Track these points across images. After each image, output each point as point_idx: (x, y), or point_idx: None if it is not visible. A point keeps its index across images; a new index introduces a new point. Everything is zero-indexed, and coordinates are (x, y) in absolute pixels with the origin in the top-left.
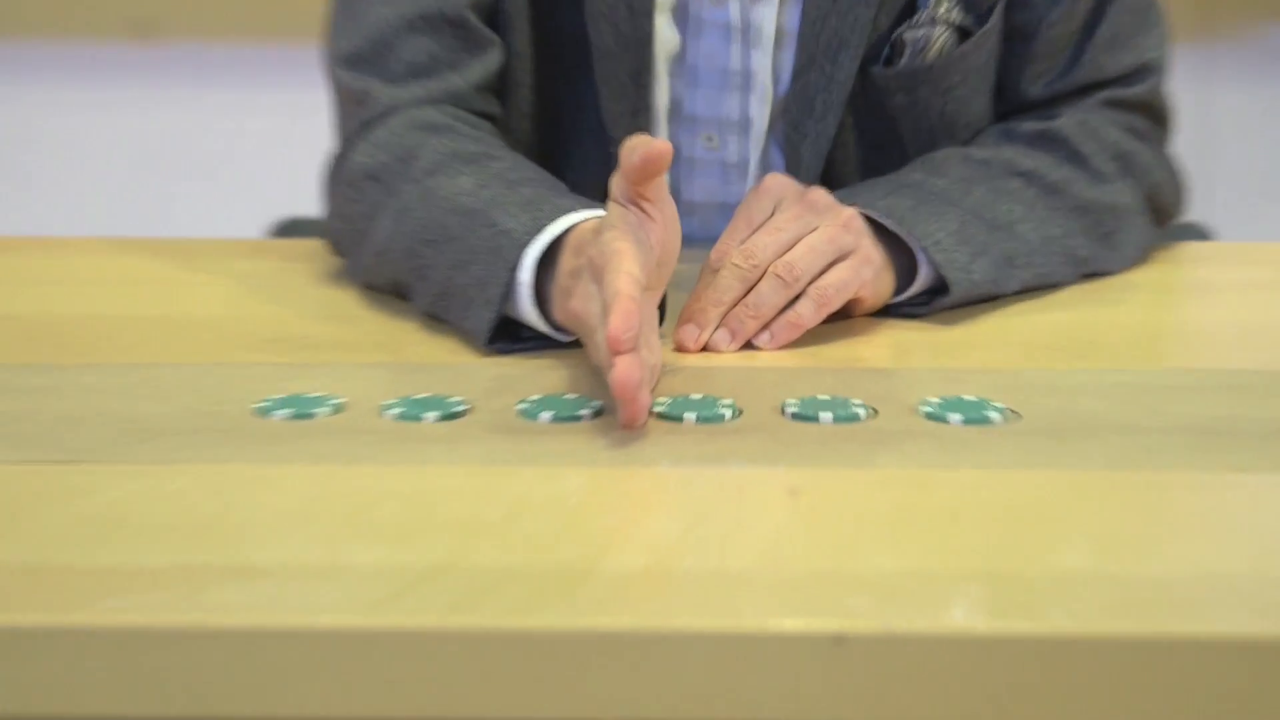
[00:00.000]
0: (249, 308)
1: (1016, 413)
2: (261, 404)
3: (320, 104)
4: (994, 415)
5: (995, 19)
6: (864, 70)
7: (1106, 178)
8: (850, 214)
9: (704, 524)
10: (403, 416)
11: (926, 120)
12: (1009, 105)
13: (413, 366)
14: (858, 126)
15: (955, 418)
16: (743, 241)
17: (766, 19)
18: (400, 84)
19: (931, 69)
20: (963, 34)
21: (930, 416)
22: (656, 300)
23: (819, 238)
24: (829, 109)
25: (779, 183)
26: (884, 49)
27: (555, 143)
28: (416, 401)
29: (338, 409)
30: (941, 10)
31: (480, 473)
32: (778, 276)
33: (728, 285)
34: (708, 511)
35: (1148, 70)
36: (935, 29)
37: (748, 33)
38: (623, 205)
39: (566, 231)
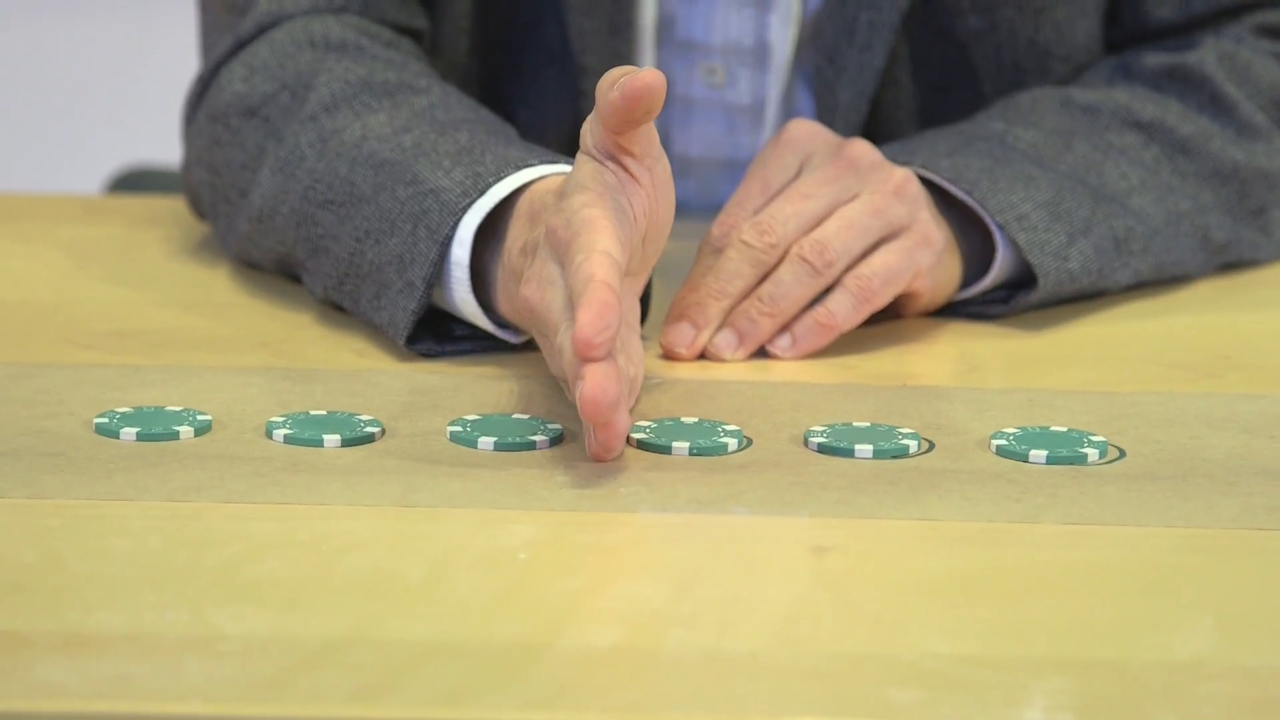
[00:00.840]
0: (83, 289)
1: (1120, 449)
2: (102, 419)
3: (182, 10)
4: (1090, 453)
5: None
6: None
7: (1259, 133)
8: (904, 176)
9: (697, 590)
10: (293, 440)
11: (1010, 52)
12: (1127, 32)
13: (306, 373)
14: (915, 59)
15: (1037, 455)
16: (757, 211)
17: None
18: None
19: None
20: None
21: (1004, 453)
22: (639, 289)
23: (860, 209)
24: (876, 34)
25: (807, 132)
26: None
27: (503, 71)
28: (311, 420)
29: (204, 428)
30: None
31: (397, 517)
32: (803, 260)
33: (735, 271)
34: (703, 574)
35: None
36: None
37: None
38: (597, 160)
39: (517, 192)
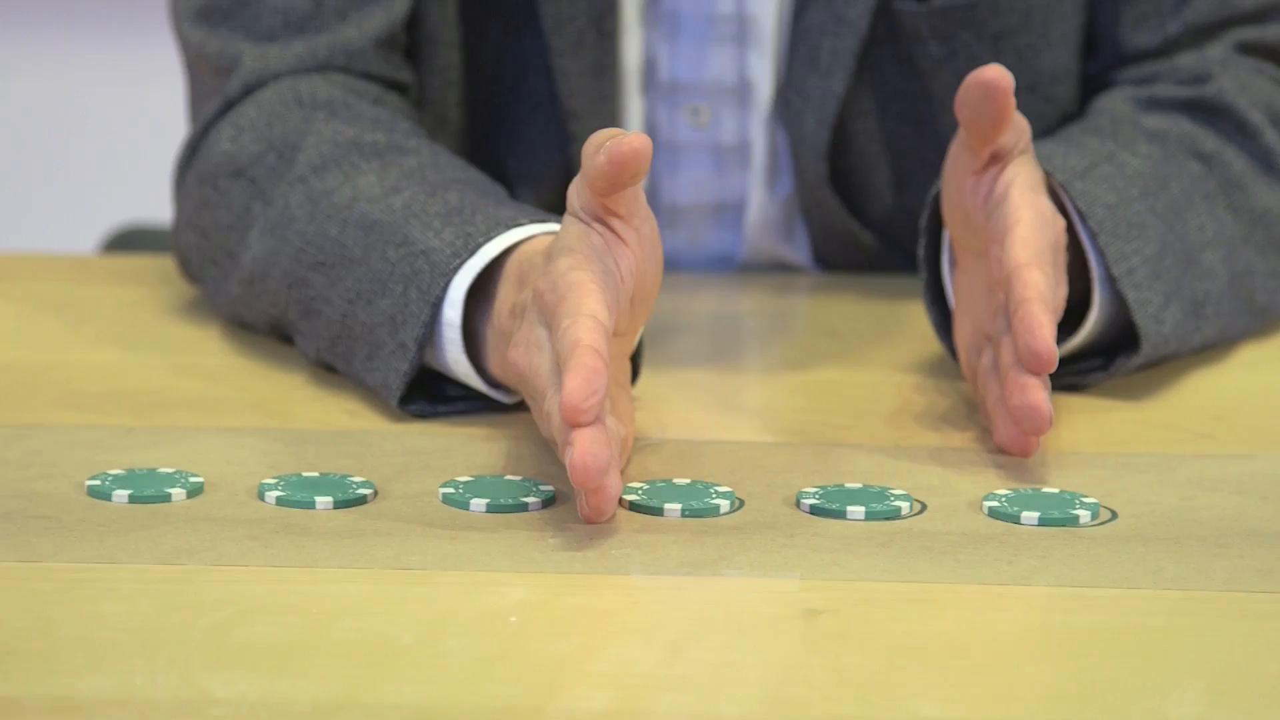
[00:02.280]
0: (76, 350)
1: (1112, 511)
2: (94, 481)
3: (175, 66)
4: (1082, 514)
5: None
6: (888, 8)
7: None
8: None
9: (689, 653)
10: (285, 502)
11: None
12: (1105, 62)
13: (298, 434)
14: (880, 88)
15: (1029, 516)
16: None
17: None
18: (273, 41)
19: (976, 6)
20: None
21: (996, 514)
22: (629, 350)
23: None
24: (837, 61)
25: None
26: None
27: (492, 121)
28: (303, 482)
29: (196, 490)
30: None
31: (389, 580)
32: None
33: None
34: (694, 636)
35: (1275, 9)
36: None
37: None
38: (584, 222)
39: (506, 253)
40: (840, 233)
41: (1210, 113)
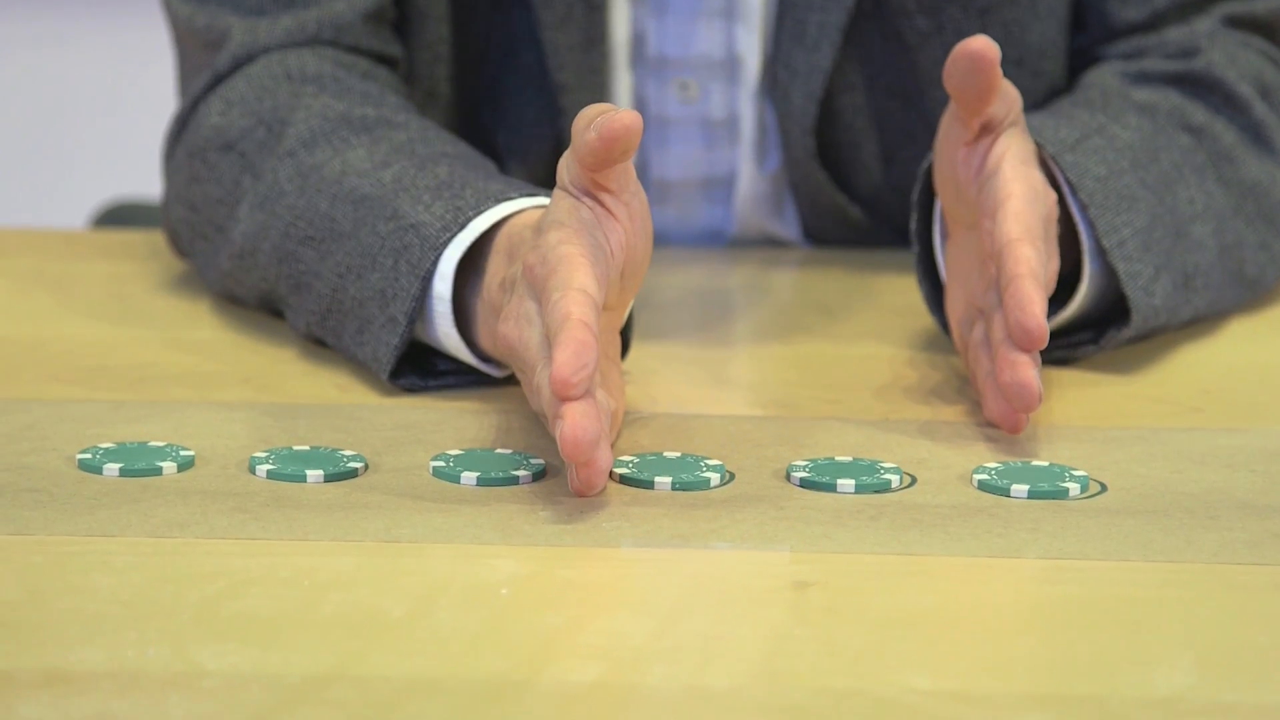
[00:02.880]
0: (66, 325)
1: (1101, 484)
2: (86, 455)
3: (164, 42)
4: (1071, 487)
5: None
6: None
7: (1274, 143)
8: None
9: (679, 625)
10: (276, 475)
11: None
12: (1093, 36)
13: (289, 408)
14: (868, 63)
15: (1019, 489)
16: None
17: None
18: (262, 15)
19: None
20: None
21: (985, 487)
22: (618, 324)
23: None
24: (824, 35)
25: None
26: None
27: (482, 95)
28: (295, 455)
29: (187, 463)
30: None
31: (379, 552)
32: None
33: None
34: (685, 609)
35: None
36: None
37: None
38: (574, 196)
39: (497, 226)
40: (829, 207)
41: (1199, 86)
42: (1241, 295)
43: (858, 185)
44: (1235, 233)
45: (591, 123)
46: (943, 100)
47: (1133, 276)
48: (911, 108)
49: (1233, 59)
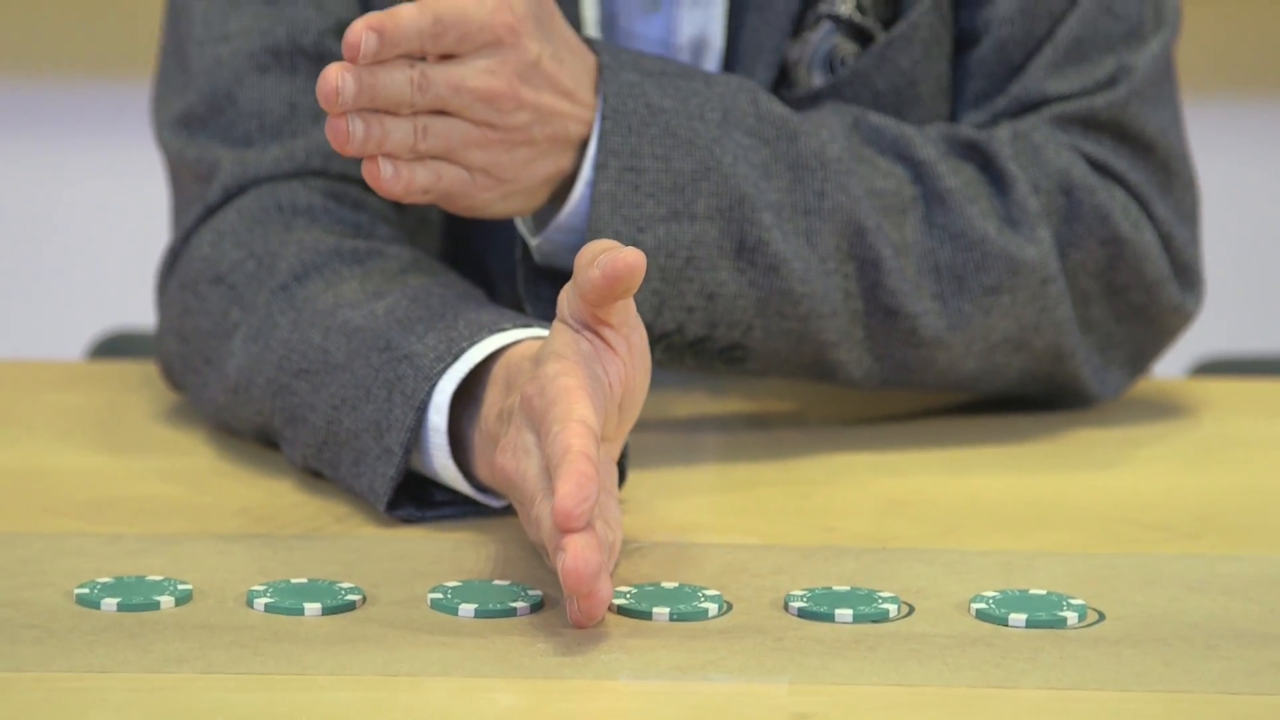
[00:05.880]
0: (64, 458)
1: (1099, 612)
2: (83, 590)
3: (162, 173)
4: (1069, 616)
5: (915, 19)
6: (779, 90)
7: (1026, 219)
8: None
9: None
10: (273, 609)
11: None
12: None
13: (286, 541)
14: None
15: (1017, 619)
16: None
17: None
18: (249, 145)
19: (820, 95)
20: (868, 39)
21: (984, 616)
22: (615, 455)
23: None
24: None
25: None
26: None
27: (470, 219)
28: (292, 589)
29: (185, 597)
30: (841, 7)
31: (378, 686)
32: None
33: None
34: None
35: (1121, 76)
36: (822, 34)
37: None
38: (574, 329)
39: (493, 357)
40: None
41: (971, 149)
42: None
43: None
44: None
45: (595, 259)
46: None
47: (605, 197)
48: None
49: (1024, 140)
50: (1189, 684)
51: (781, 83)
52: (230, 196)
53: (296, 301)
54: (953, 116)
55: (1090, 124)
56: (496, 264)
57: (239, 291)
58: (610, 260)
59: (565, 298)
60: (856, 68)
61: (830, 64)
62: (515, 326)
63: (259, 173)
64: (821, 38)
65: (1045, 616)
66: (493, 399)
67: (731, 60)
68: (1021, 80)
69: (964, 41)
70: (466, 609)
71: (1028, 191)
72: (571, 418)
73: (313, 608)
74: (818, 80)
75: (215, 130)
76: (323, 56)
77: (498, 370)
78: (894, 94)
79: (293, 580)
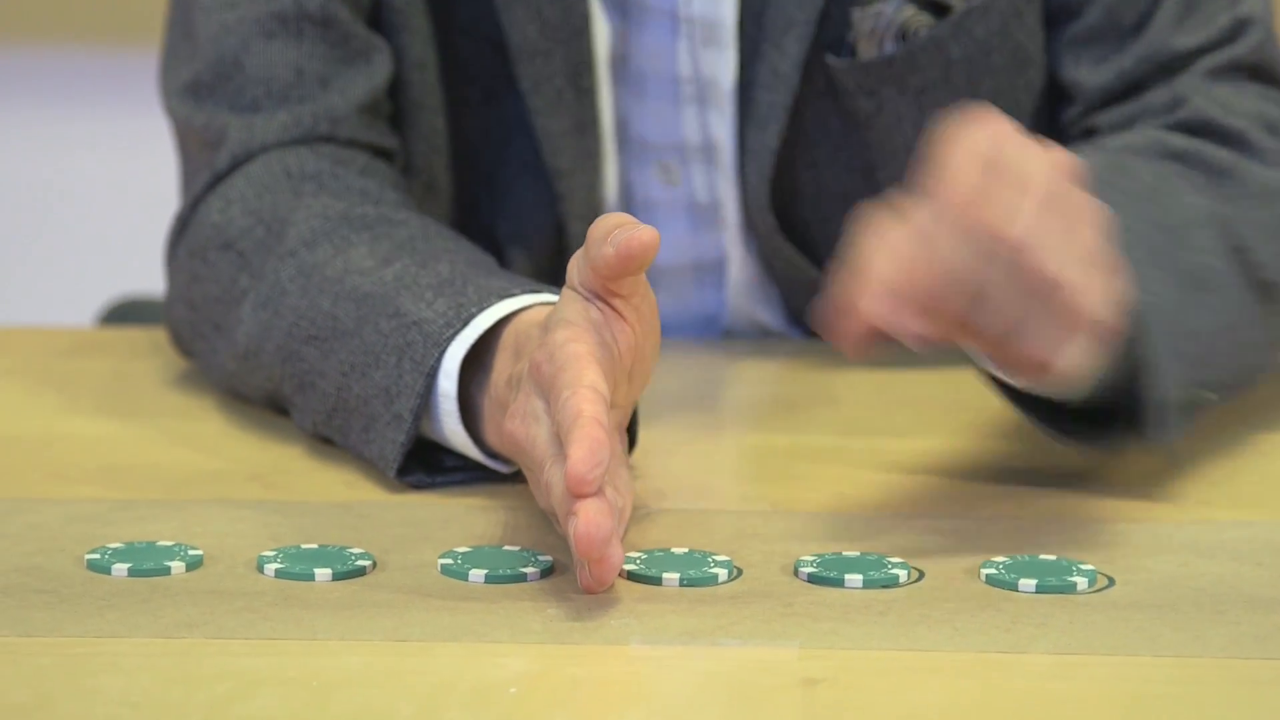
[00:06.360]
0: (74, 425)
1: (1109, 578)
2: (94, 555)
3: (171, 140)
4: (1079, 581)
5: None
6: (820, 62)
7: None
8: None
9: None
10: (284, 574)
11: (900, 135)
12: (1079, 107)
13: (296, 506)
14: (821, 140)
15: (1027, 584)
16: None
17: (725, 4)
18: (256, 111)
19: (893, 62)
20: (943, 11)
21: (993, 581)
22: (624, 422)
23: None
24: (771, 114)
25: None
26: (846, 32)
27: (480, 184)
28: (302, 554)
29: (195, 563)
30: None
31: (388, 652)
32: None
33: None
34: (694, 706)
35: (1246, 25)
36: (895, 5)
37: (696, 26)
38: (584, 297)
39: (502, 323)
40: (805, 288)
41: (1188, 131)
42: (1260, 311)
43: (828, 263)
44: (1241, 236)
45: (609, 235)
46: (892, 178)
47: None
48: (867, 184)
49: (1224, 103)
50: (1198, 649)
51: (841, 50)
52: (238, 163)
53: (305, 268)
54: (1059, 85)
55: (1244, 69)
56: (505, 228)
57: (248, 258)
58: (625, 238)
59: (575, 266)
60: (932, 35)
61: (904, 35)
62: (525, 292)
63: (267, 139)
64: (895, 9)
65: (1055, 582)
66: (502, 365)
67: (754, 30)
68: (1144, 38)
69: (1062, 13)
70: (476, 574)
71: (1262, 138)
72: (581, 383)
73: (323, 573)
74: (889, 49)
75: (223, 97)
76: (328, 21)
77: (507, 336)
78: (966, 62)
79: (303, 546)
